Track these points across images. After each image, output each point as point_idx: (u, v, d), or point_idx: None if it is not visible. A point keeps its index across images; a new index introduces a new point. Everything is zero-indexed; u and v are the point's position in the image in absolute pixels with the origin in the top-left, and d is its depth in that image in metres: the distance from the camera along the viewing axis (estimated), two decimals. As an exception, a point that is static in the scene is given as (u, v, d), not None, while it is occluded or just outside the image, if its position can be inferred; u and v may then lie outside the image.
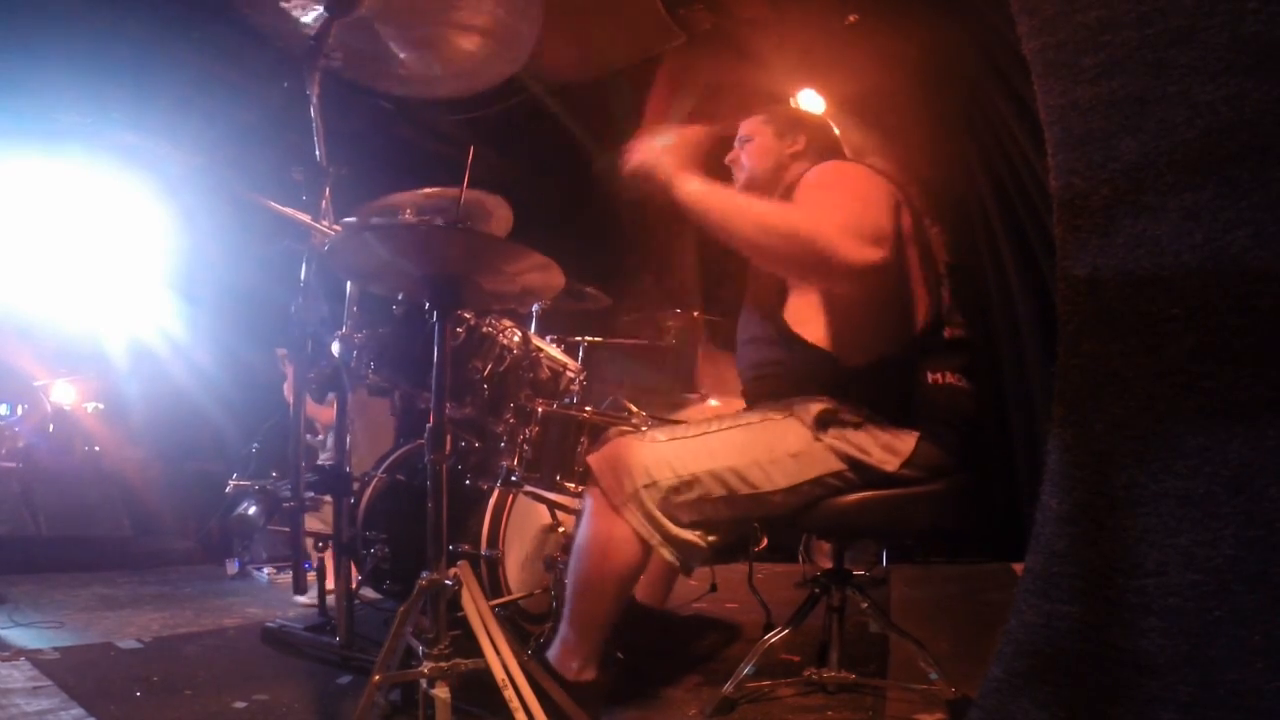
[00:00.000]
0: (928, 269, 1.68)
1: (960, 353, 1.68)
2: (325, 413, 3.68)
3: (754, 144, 1.89)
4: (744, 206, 1.60)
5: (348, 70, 1.85)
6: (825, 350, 1.65)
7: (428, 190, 2.14)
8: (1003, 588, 2.66)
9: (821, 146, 1.86)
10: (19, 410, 4.01)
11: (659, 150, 1.62)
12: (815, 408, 1.60)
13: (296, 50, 1.80)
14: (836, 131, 1.96)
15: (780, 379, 1.71)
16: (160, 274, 3.82)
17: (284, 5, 1.73)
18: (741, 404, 1.87)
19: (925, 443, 1.60)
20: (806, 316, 1.68)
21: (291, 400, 3.90)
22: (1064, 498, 0.99)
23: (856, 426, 1.60)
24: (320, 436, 3.61)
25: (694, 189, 1.58)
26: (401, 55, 1.87)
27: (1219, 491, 0.87)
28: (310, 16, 1.77)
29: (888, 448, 1.59)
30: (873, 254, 1.49)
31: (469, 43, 1.82)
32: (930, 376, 1.64)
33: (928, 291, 1.66)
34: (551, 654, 1.61)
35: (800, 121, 1.94)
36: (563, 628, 1.62)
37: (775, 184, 1.83)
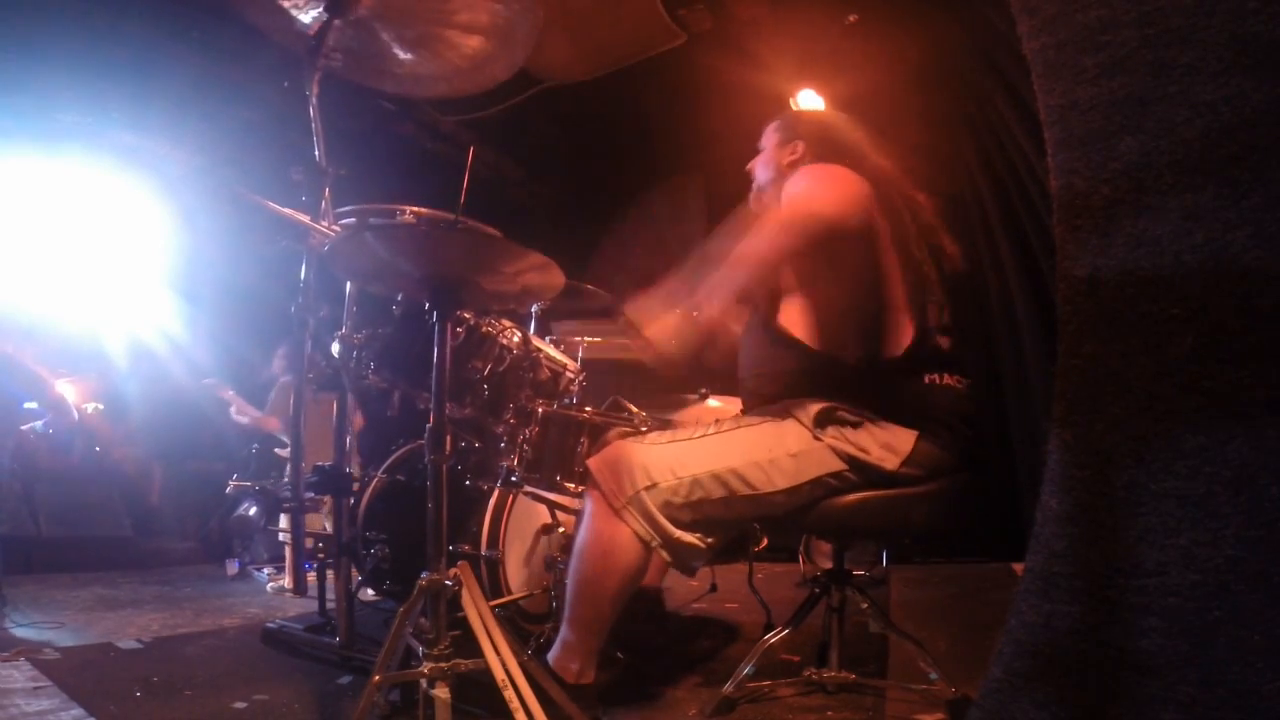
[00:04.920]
0: (912, 282, 1.66)
1: (953, 359, 1.68)
2: (273, 421, 3.76)
3: (763, 155, 1.91)
4: (732, 270, 1.60)
5: (347, 70, 1.85)
6: (820, 350, 1.65)
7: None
8: (1003, 588, 2.66)
9: (822, 151, 1.83)
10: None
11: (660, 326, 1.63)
12: (814, 407, 1.60)
13: (296, 50, 1.80)
14: (848, 128, 1.91)
15: (778, 378, 1.71)
16: (160, 274, 3.83)
17: (283, 4, 1.72)
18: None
19: (924, 442, 1.60)
20: (797, 319, 1.69)
21: (242, 421, 3.95)
22: (1064, 498, 0.98)
23: (855, 426, 1.60)
24: (285, 450, 3.66)
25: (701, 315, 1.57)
26: (401, 55, 1.87)
27: (1219, 491, 0.87)
28: (309, 16, 1.77)
29: (887, 446, 1.59)
30: (839, 209, 1.58)
31: (468, 42, 1.82)
32: (927, 378, 1.64)
33: (911, 306, 1.65)
34: (551, 656, 1.61)
35: (800, 127, 1.91)
36: (563, 629, 1.62)
37: (777, 192, 1.82)
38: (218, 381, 3.94)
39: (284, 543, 3.52)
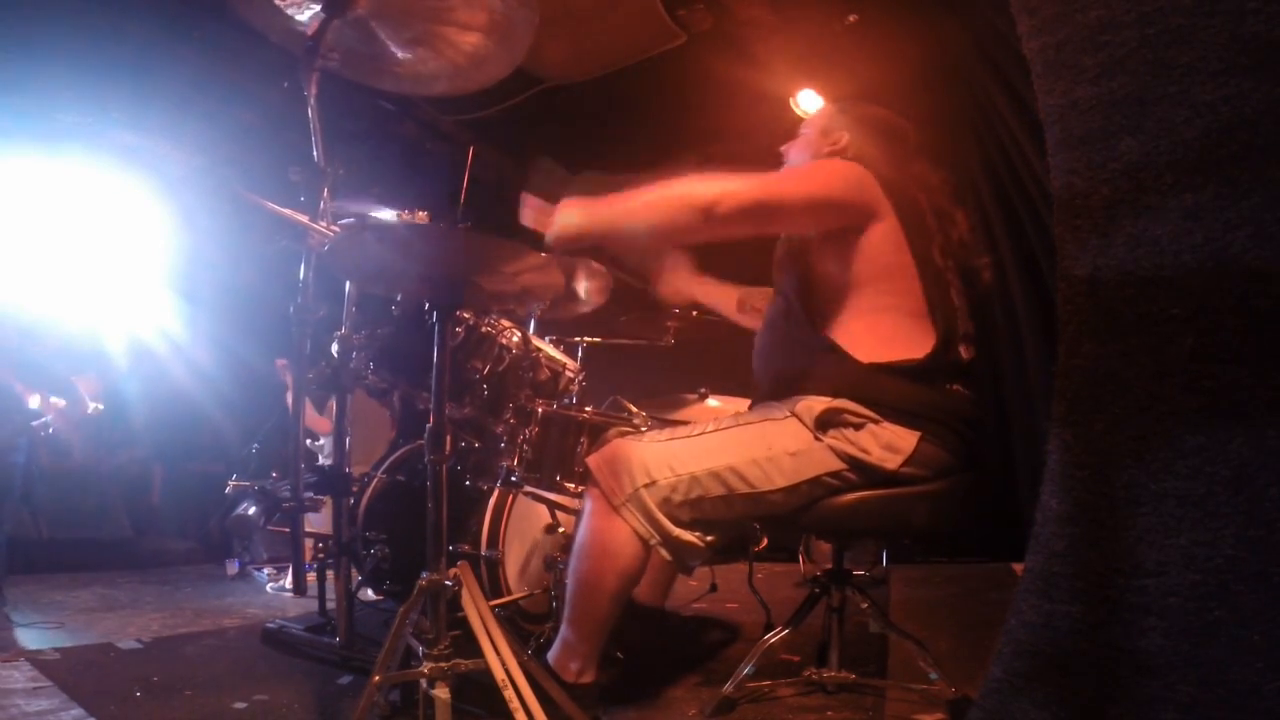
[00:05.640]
0: (932, 288, 1.65)
1: (971, 369, 1.68)
2: (324, 422, 3.71)
3: (801, 138, 1.87)
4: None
5: (345, 69, 1.85)
6: (839, 348, 1.63)
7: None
8: (1003, 588, 2.66)
9: (865, 147, 1.78)
10: (53, 401, 3.94)
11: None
12: (817, 408, 1.59)
13: (295, 49, 1.80)
14: (899, 132, 1.85)
15: (794, 372, 1.69)
16: (160, 274, 3.83)
17: (279, 3, 1.72)
18: (742, 404, 1.87)
19: (926, 442, 1.59)
20: (816, 317, 1.68)
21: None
22: (1064, 498, 0.98)
23: (858, 427, 1.60)
24: (320, 443, 3.62)
25: (574, 218, 1.59)
26: (399, 54, 1.86)
27: (1219, 491, 0.87)
28: (306, 15, 1.77)
29: (889, 447, 1.58)
30: (833, 183, 1.62)
31: (467, 40, 1.82)
32: (935, 382, 1.63)
33: (931, 312, 1.64)
34: (551, 655, 1.61)
35: (848, 119, 1.85)
36: (563, 629, 1.62)
37: None
38: (289, 365, 3.90)
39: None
